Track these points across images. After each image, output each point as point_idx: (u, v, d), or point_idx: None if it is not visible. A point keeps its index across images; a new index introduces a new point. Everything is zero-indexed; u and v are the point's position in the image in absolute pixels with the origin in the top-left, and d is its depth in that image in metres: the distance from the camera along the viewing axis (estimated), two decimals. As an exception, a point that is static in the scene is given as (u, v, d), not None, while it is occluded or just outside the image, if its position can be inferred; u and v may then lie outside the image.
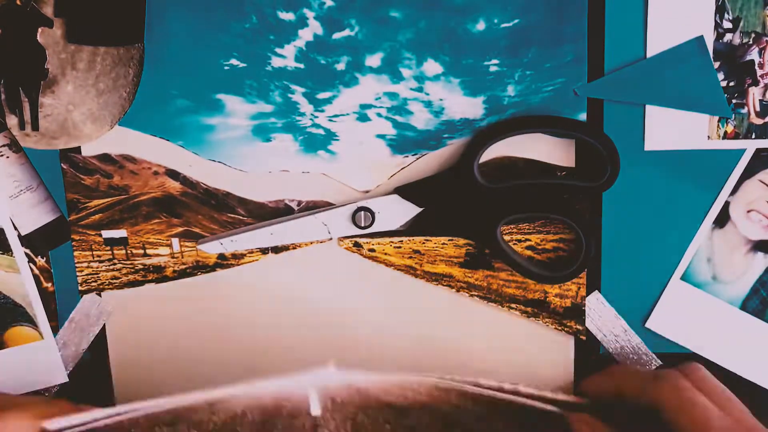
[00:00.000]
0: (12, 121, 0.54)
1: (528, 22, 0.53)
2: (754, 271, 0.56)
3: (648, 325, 0.57)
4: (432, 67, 0.54)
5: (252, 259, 0.57)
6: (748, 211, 0.55)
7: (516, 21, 0.53)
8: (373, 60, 0.54)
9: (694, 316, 0.56)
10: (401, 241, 0.56)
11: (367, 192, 0.56)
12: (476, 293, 0.57)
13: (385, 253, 0.57)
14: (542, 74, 0.54)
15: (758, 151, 0.54)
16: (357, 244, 0.57)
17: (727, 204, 0.55)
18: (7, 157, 0.55)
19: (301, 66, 0.54)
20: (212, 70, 0.54)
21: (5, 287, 0.56)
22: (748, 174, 0.55)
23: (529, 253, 0.57)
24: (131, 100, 0.54)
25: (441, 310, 0.57)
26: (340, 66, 0.54)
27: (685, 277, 0.56)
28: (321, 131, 0.55)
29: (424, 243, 0.56)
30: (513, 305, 0.57)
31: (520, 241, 0.56)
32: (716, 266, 0.56)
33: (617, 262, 0.56)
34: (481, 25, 0.53)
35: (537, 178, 0.55)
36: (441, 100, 0.54)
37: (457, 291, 0.57)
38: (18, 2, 0.52)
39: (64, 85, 0.54)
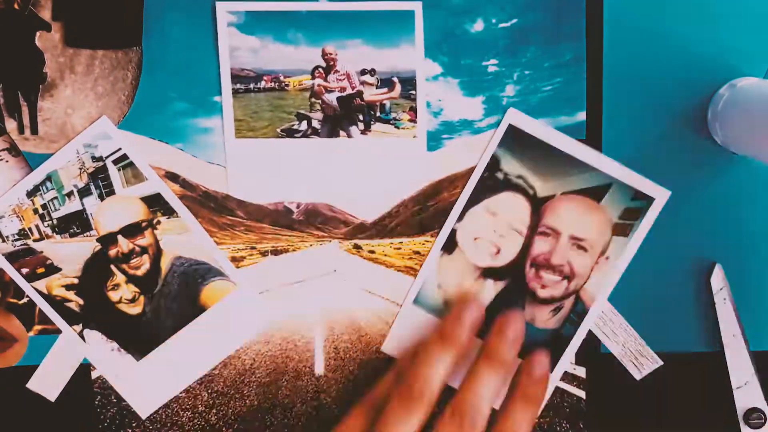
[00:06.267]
0: (11, 125, 0.54)
1: (526, 22, 0.53)
2: (484, 298, 0.55)
3: (383, 349, 0.56)
4: (431, 67, 0.54)
5: (251, 261, 0.57)
6: (475, 239, 0.55)
7: (514, 21, 0.53)
8: (372, 61, 0.54)
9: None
10: (401, 242, 0.56)
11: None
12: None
13: (386, 255, 0.57)
14: (541, 74, 0.54)
15: (483, 179, 0.54)
16: (357, 246, 0.57)
17: (453, 231, 0.55)
18: (7, 161, 0.55)
19: (300, 67, 0.54)
20: (210, 72, 0.54)
21: (185, 250, 0.56)
22: (472, 202, 0.54)
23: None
24: (130, 103, 0.54)
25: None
26: (339, 67, 0.54)
27: (417, 301, 0.56)
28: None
29: (424, 244, 0.56)
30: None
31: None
32: (446, 292, 0.56)
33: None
34: (479, 25, 0.53)
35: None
36: (439, 100, 0.54)
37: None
38: (16, 6, 0.52)
39: (63, 88, 0.54)
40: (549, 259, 0.54)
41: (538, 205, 0.54)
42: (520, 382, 0.50)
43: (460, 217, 0.55)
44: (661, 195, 0.53)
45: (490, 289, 0.55)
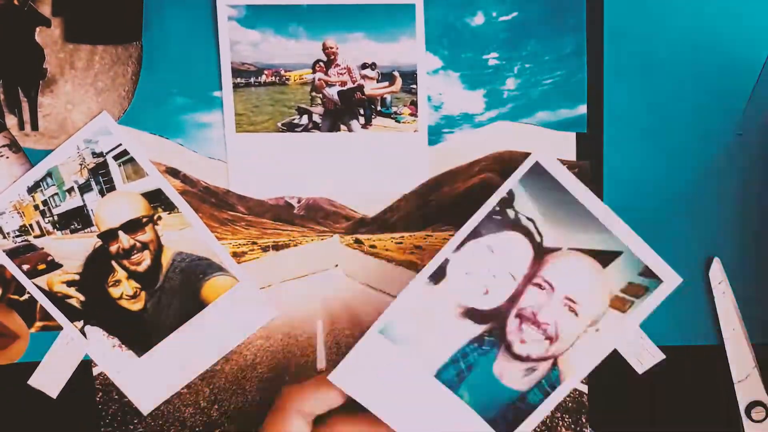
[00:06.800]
0: (11, 121, 0.54)
1: (527, 15, 0.53)
2: (458, 340, 0.50)
3: (330, 377, 0.49)
4: (431, 61, 0.54)
5: (254, 257, 0.56)
6: (467, 273, 0.50)
7: (515, 14, 0.53)
8: (372, 55, 0.54)
9: (383, 374, 0.50)
10: (402, 236, 0.56)
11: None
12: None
13: (387, 249, 0.57)
14: (542, 67, 0.54)
15: (492, 212, 0.49)
16: (358, 241, 0.57)
17: (446, 261, 0.49)
18: (7, 157, 0.55)
19: (300, 62, 0.54)
20: (211, 67, 0.54)
21: (186, 246, 0.56)
22: (475, 234, 0.49)
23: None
24: (130, 98, 0.54)
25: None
26: (339, 61, 0.54)
27: (383, 331, 0.50)
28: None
29: (425, 239, 0.56)
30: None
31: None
32: (420, 324, 0.50)
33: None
34: (479, 19, 0.53)
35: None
36: (440, 94, 0.54)
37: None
38: (15, 2, 0.52)
39: (63, 84, 0.53)
40: (536, 314, 0.49)
41: (542, 254, 0.49)
42: None
43: (458, 248, 0.50)
44: (671, 280, 0.49)
45: (467, 330, 0.50)
